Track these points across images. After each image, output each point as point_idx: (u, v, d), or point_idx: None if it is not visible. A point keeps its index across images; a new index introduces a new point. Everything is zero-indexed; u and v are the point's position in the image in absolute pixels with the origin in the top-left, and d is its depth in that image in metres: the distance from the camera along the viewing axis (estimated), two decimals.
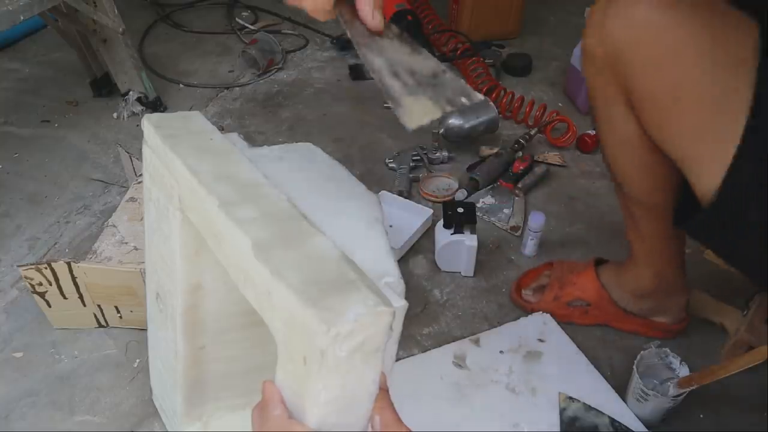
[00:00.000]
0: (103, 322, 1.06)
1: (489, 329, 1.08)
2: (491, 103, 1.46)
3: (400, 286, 0.50)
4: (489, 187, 1.36)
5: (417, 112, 0.48)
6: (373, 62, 0.50)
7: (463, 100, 0.49)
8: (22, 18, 1.21)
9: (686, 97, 0.73)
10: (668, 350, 0.94)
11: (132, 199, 1.13)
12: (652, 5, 0.73)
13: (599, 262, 1.09)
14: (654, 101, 0.76)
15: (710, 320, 1.07)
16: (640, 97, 0.77)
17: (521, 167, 1.37)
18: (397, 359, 1.00)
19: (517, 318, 1.10)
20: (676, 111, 0.75)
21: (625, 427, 0.92)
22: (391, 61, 0.50)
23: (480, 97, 0.49)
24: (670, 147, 0.77)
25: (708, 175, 0.73)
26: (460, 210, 1.15)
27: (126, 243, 1.04)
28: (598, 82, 0.83)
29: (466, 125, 1.42)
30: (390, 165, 1.42)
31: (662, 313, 1.04)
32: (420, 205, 1.27)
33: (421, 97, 0.49)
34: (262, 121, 1.59)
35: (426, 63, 0.51)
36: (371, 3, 0.49)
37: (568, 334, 1.06)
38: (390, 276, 0.51)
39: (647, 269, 1.00)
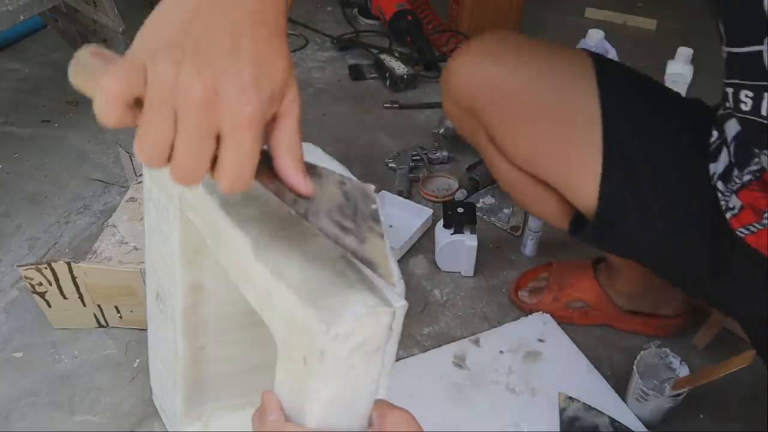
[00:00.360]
0: (103, 322, 1.06)
1: (489, 329, 1.08)
2: None
3: (400, 286, 0.50)
4: (489, 187, 1.36)
5: (381, 259, 0.44)
6: (325, 227, 0.43)
7: (373, 206, 0.46)
8: (22, 18, 1.21)
9: (541, 129, 0.79)
10: (668, 350, 0.94)
11: (132, 199, 1.13)
12: (477, 62, 0.81)
13: (598, 261, 1.10)
14: (514, 141, 0.81)
15: (696, 306, 1.07)
16: (502, 141, 0.82)
17: None
18: (397, 359, 1.00)
19: (517, 318, 1.10)
20: (536, 145, 0.80)
21: (625, 427, 0.92)
22: (328, 212, 0.44)
23: (371, 186, 0.46)
24: (545, 177, 0.82)
25: (584, 193, 0.78)
26: (460, 210, 1.15)
27: (126, 243, 1.04)
28: (468, 136, 0.89)
29: None
30: (390, 165, 1.42)
31: (663, 306, 1.05)
32: (420, 205, 1.27)
33: (369, 238, 0.44)
34: None
35: (333, 183, 0.45)
36: (300, 171, 0.41)
37: (568, 334, 1.06)
38: None
39: (630, 273, 1.01)
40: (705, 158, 0.75)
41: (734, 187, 0.70)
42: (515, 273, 1.18)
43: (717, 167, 0.73)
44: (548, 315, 1.08)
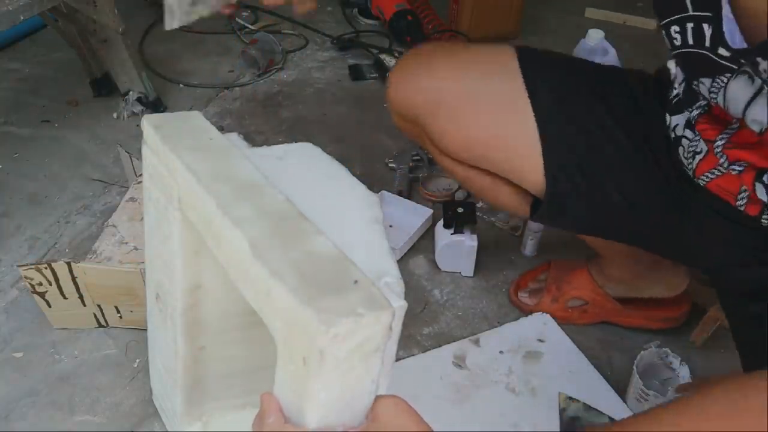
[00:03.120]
0: (103, 322, 1.06)
1: (489, 329, 1.08)
2: None
3: (400, 286, 0.50)
4: None
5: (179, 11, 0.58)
6: None
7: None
8: (22, 18, 1.21)
9: (477, 124, 0.83)
10: (668, 350, 0.94)
11: (132, 199, 1.13)
12: (412, 75, 0.86)
13: (591, 257, 1.10)
14: (456, 140, 0.85)
15: (694, 302, 1.07)
16: (443, 142, 0.87)
17: None
18: (397, 359, 1.00)
19: (517, 318, 1.10)
20: (477, 140, 0.84)
21: None
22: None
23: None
24: (493, 168, 0.86)
25: (531, 175, 0.82)
26: (460, 210, 1.15)
27: (126, 243, 1.04)
28: (418, 142, 0.94)
29: None
30: (390, 165, 1.42)
31: (660, 286, 1.05)
32: (420, 205, 1.27)
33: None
34: (262, 121, 1.59)
35: None
36: None
37: (568, 335, 1.06)
38: (389, 276, 0.51)
39: (617, 257, 1.02)
40: (667, 114, 0.79)
41: (695, 127, 0.74)
42: (515, 273, 1.18)
43: (680, 119, 0.77)
44: (548, 315, 1.08)
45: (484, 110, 0.83)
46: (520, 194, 0.90)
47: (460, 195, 1.33)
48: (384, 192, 1.30)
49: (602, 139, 0.81)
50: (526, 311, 1.11)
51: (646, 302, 1.06)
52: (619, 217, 0.83)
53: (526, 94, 0.81)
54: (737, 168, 0.69)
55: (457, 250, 1.15)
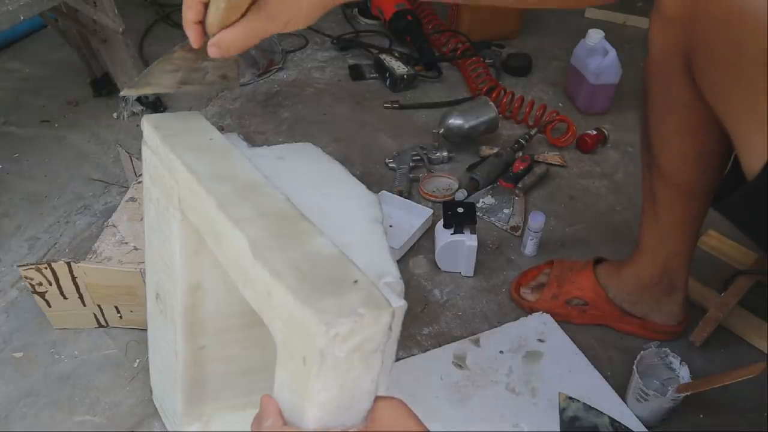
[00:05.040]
0: (103, 322, 1.06)
1: (489, 329, 1.08)
2: (491, 103, 1.46)
3: (400, 286, 0.50)
4: (489, 187, 1.36)
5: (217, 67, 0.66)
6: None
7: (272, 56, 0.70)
8: (22, 18, 1.21)
9: (747, 57, 0.68)
10: (668, 350, 0.94)
11: (132, 199, 1.13)
12: None
13: (599, 262, 1.09)
14: (714, 58, 0.73)
15: (691, 302, 1.07)
16: (702, 54, 0.74)
17: (521, 167, 1.37)
18: (397, 359, 1.00)
19: (517, 318, 1.10)
20: (735, 71, 0.70)
21: (625, 427, 0.92)
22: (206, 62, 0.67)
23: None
24: (723, 111, 0.73)
25: (757, 146, 0.69)
26: (460, 210, 1.15)
27: (126, 243, 1.04)
28: (665, 36, 0.81)
29: (466, 125, 1.42)
30: (390, 165, 1.42)
31: (659, 313, 1.04)
32: (420, 205, 1.27)
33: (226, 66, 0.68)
34: (262, 121, 1.59)
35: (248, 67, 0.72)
36: (200, 34, 0.63)
37: (567, 334, 1.06)
38: (389, 276, 0.51)
39: (653, 261, 1.00)
40: None
41: None
42: (515, 273, 1.18)
43: None
44: (548, 315, 1.08)
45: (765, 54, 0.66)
46: (704, 157, 0.83)
47: (460, 195, 1.33)
48: (384, 192, 1.30)
49: None
50: (526, 307, 1.11)
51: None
52: None
53: None
54: None
55: (457, 250, 1.15)
